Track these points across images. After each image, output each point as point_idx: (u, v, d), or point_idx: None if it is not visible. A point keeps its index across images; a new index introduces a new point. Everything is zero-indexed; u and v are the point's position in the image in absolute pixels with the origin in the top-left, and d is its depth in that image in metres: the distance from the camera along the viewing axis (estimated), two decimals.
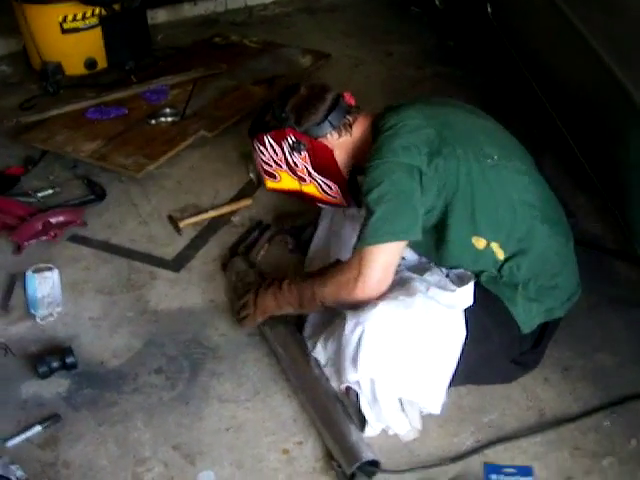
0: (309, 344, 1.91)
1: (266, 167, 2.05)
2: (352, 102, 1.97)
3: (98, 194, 2.65)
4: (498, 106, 3.00)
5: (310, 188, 2.04)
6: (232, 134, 2.85)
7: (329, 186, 2.01)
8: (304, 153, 1.95)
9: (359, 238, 1.77)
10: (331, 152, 1.94)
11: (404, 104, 1.92)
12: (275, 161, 2.01)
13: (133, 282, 2.30)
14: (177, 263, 2.37)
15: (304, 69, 3.40)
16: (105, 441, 1.84)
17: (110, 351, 2.07)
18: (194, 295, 2.25)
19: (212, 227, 2.51)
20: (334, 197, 2.04)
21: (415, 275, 1.84)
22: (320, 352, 1.84)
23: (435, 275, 1.83)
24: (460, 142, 1.80)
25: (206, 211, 2.56)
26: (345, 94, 1.96)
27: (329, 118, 1.90)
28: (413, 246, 1.92)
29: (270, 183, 2.10)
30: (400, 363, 1.66)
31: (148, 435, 1.85)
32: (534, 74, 2.59)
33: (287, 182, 2.06)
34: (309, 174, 2.00)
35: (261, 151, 2.02)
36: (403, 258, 1.93)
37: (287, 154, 1.98)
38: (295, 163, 1.99)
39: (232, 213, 2.56)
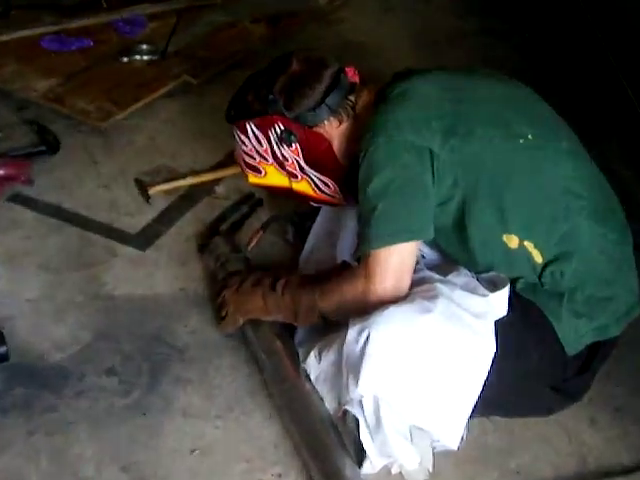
0: (300, 352, 1.92)
1: (248, 160, 2.05)
2: (356, 79, 1.95)
3: (50, 145, 2.65)
4: (549, 72, 3.01)
5: (302, 185, 2.04)
6: (223, 82, 2.84)
7: (325, 183, 2.01)
8: (295, 145, 1.95)
9: (361, 241, 1.78)
10: (328, 144, 1.94)
11: (417, 71, 1.92)
12: (259, 153, 2.01)
13: (86, 259, 2.30)
14: (143, 239, 2.37)
15: (318, 8, 3.38)
16: (37, 454, 1.83)
17: (52, 342, 2.07)
18: (161, 280, 2.25)
19: (189, 197, 2.51)
20: (331, 196, 2.05)
21: (437, 275, 1.84)
22: (312, 364, 1.85)
23: (462, 276, 1.83)
24: (483, 119, 1.80)
25: (183, 177, 2.55)
26: (348, 69, 1.95)
27: (327, 101, 1.89)
28: (434, 247, 1.93)
29: (253, 178, 2.09)
30: (412, 380, 1.66)
31: (92, 451, 1.85)
32: (607, 28, 2.50)
33: (274, 178, 2.06)
34: (301, 169, 2.00)
35: (242, 141, 2.01)
36: (423, 256, 1.94)
37: (274, 145, 1.97)
38: (284, 156, 1.99)
39: (216, 182, 2.55)
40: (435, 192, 1.77)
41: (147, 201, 2.48)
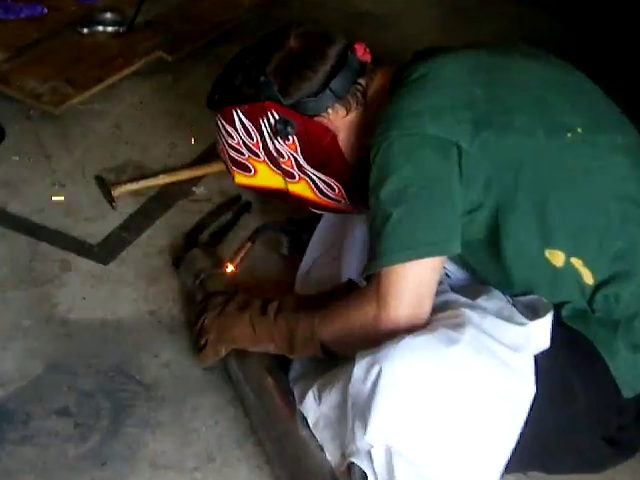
0: (296, 392, 1.92)
1: (235, 155, 2.05)
2: (368, 58, 1.96)
3: None
4: (605, 54, 3.01)
5: (300, 187, 2.04)
6: (204, 60, 2.84)
7: (329, 185, 2.02)
8: (292, 138, 1.95)
9: (372, 256, 1.77)
10: (333, 137, 1.95)
11: (441, 49, 1.92)
12: (249, 148, 2.01)
13: (36, 274, 2.30)
14: (105, 251, 2.37)
15: None
16: None
17: None
18: (127, 301, 2.25)
19: (162, 200, 2.52)
20: (336, 200, 2.05)
21: (464, 298, 1.83)
22: (310, 406, 1.84)
23: (495, 300, 1.83)
24: (524, 108, 1.80)
25: (155, 175, 2.55)
26: (357, 46, 1.95)
27: (331, 85, 1.90)
28: (461, 264, 1.93)
29: (240, 177, 2.09)
30: (432, 427, 1.64)
31: None
32: None
33: (266, 178, 2.06)
34: (299, 168, 2.00)
35: (228, 132, 2.01)
36: (447, 275, 1.94)
37: (267, 138, 1.98)
38: (279, 152, 1.99)
39: (194, 181, 2.56)
40: (463, 197, 1.76)
41: (111, 204, 2.48)
